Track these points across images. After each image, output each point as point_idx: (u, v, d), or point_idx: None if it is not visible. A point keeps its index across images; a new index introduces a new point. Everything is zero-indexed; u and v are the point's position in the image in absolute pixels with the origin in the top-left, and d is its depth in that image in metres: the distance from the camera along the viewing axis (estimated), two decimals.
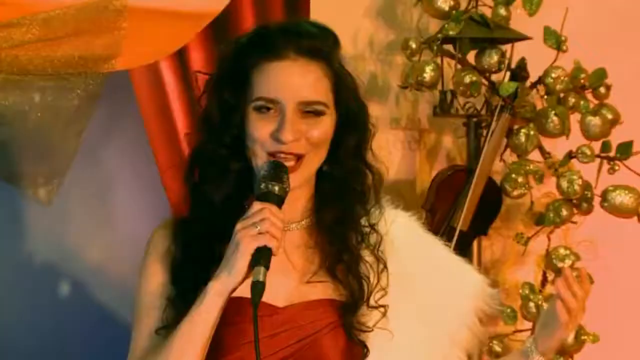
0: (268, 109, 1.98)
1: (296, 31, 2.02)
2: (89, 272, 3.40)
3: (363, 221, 2.06)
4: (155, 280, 2.03)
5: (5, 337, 3.33)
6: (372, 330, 1.99)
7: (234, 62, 2.04)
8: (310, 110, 1.98)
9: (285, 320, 1.98)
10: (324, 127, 1.99)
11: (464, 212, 3.24)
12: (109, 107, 3.20)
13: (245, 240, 1.86)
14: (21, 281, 3.36)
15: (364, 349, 1.99)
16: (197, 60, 3.08)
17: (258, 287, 1.83)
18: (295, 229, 2.05)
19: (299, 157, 1.97)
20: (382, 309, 2.00)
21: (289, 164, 1.96)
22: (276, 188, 1.92)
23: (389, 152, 3.52)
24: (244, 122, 2.00)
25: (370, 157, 2.07)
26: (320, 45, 2.01)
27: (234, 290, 1.89)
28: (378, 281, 2.01)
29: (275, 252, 1.87)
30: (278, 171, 1.94)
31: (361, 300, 2.00)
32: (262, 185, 1.92)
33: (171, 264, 2.03)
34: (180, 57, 3.07)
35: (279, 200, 1.91)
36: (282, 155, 1.96)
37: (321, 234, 2.04)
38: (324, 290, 2.01)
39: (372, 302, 2.00)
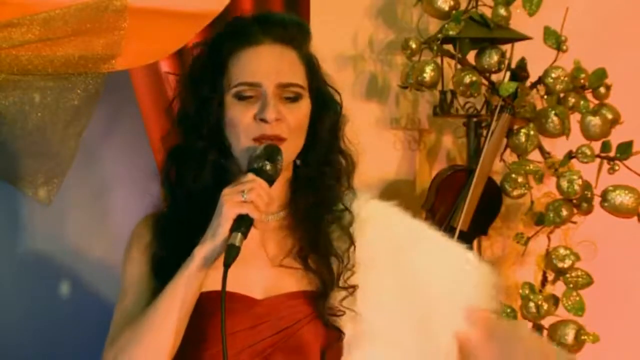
0: (250, 96, 2.02)
1: (269, 20, 2.08)
2: (89, 272, 3.40)
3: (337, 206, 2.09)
4: (135, 271, 2.06)
5: (5, 336, 3.32)
6: (344, 313, 2.01)
7: (208, 55, 2.08)
8: (288, 96, 2.03)
9: (264, 312, 2.00)
10: (301, 112, 2.04)
11: (464, 212, 3.24)
12: (109, 107, 3.20)
13: (228, 205, 1.90)
14: (21, 281, 3.36)
15: (339, 333, 2.01)
16: None
17: (232, 250, 1.86)
18: (272, 220, 2.08)
19: (280, 141, 2.00)
20: (350, 289, 2.01)
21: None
22: (268, 167, 1.96)
23: (389, 152, 3.53)
24: (223, 112, 2.04)
25: (344, 144, 2.11)
26: (292, 33, 2.07)
27: (219, 255, 1.90)
28: (348, 261, 2.03)
29: (256, 225, 1.91)
30: (273, 152, 1.98)
31: (331, 288, 2.02)
32: (255, 164, 1.96)
33: (152, 255, 2.06)
34: (180, 57, 3.07)
35: (269, 179, 1.95)
36: (270, 138, 1.99)
37: (295, 220, 2.07)
38: (298, 281, 2.03)
39: (341, 282, 2.02)
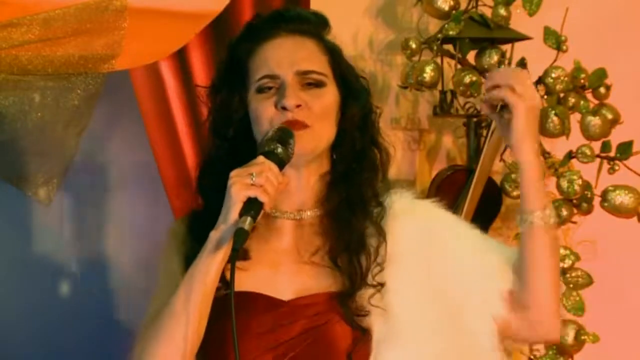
0: (269, 88, 2.00)
1: (284, 15, 2.07)
2: (88, 272, 3.40)
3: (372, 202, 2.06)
4: (169, 270, 2.05)
5: (5, 336, 3.32)
6: (369, 313, 1.98)
7: (229, 58, 2.08)
8: (310, 82, 2.01)
9: (290, 313, 1.98)
10: (326, 98, 2.02)
11: (464, 212, 3.23)
12: (109, 107, 3.20)
13: (237, 187, 1.87)
14: (21, 281, 3.36)
15: (367, 334, 1.98)
16: (197, 60, 3.08)
17: (240, 235, 1.82)
18: (308, 218, 2.05)
19: (305, 127, 1.98)
20: (378, 287, 1.99)
21: (296, 131, 1.97)
22: (279, 149, 1.93)
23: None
24: (248, 110, 2.03)
25: (378, 136, 2.09)
26: (308, 25, 2.06)
27: (230, 239, 1.86)
28: (377, 256, 2.01)
29: (266, 208, 1.88)
30: (283, 135, 1.95)
31: (359, 288, 1.99)
32: (266, 147, 1.93)
33: (185, 254, 2.03)
34: (180, 57, 3.07)
35: (280, 163, 1.92)
36: (291, 123, 1.97)
37: (328, 217, 2.04)
38: (327, 281, 2.01)
39: (369, 279, 1.99)
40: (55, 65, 2.83)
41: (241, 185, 1.87)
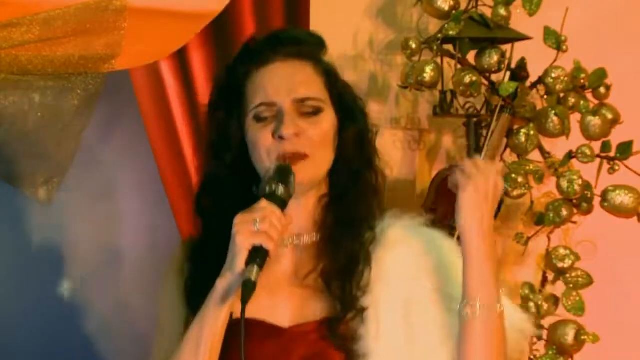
0: (266, 117, 1.99)
1: (280, 38, 2.06)
2: (89, 272, 3.40)
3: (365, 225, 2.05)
4: (172, 299, 2.05)
5: (6, 336, 3.32)
6: (358, 338, 1.97)
7: (226, 81, 2.07)
8: (307, 111, 2.00)
9: (289, 340, 1.98)
10: (324, 124, 2.01)
11: None
12: (109, 107, 3.20)
13: (242, 235, 1.86)
14: (21, 281, 3.36)
15: (362, 358, 1.97)
16: (197, 61, 3.08)
17: (248, 287, 1.82)
18: (307, 241, 2.05)
19: (302, 157, 1.97)
20: (361, 310, 1.98)
21: (294, 161, 1.96)
22: (280, 190, 1.92)
23: (389, 152, 3.52)
24: (246, 137, 2.02)
25: (374, 158, 2.08)
26: (305, 47, 2.05)
27: (238, 287, 1.86)
28: (361, 280, 2.00)
29: (272, 255, 1.87)
30: (283, 173, 1.94)
31: (347, 312, 1.98)
32: (267, 187, 1.92)
33: (184, 283, 2.04)
34: (180, 58, 3.07)
35: (282, 203, 1.91)
36: (289, 156, 1.97)
37: (324, 240, 2.04)
38: (322, 306, 2.00)
39: (354, 303, 1.99)
40: (55, 65, 2.83)
41: (246, 233, 1.86)
